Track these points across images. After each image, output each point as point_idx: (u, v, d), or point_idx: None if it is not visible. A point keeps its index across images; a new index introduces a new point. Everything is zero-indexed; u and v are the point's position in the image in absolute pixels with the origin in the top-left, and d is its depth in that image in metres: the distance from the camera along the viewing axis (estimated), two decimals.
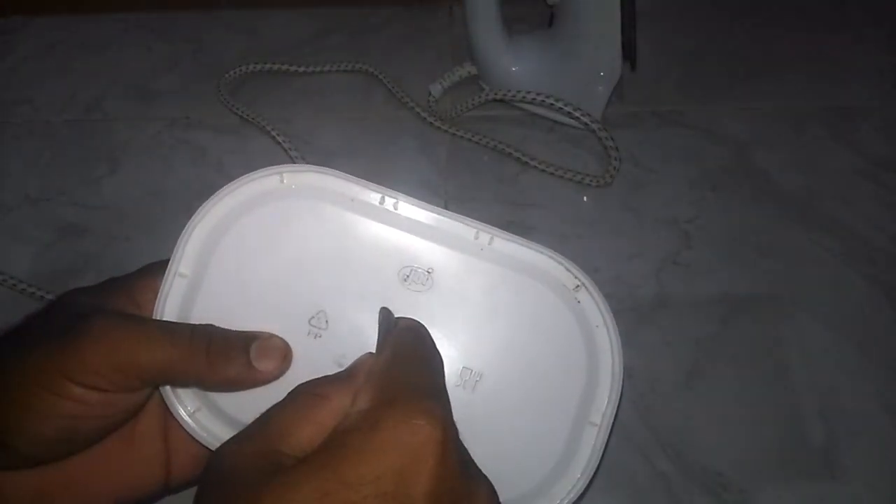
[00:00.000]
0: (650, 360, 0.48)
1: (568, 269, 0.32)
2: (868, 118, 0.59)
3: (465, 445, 0.27)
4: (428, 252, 0.33)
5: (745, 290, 0.50)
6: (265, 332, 0.33)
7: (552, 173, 0.56)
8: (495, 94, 0.57)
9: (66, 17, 0.68)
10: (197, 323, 0.32)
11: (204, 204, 0.33)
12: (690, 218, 0.54)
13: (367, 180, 0.33)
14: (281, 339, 0.33)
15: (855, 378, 0.46)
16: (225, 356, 0.31)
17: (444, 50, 0.65)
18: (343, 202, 0.33)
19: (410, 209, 0.33)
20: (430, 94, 0.60)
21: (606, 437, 0.31)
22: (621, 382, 0.31)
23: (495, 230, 0.33)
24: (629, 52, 0.54)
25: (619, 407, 0.31)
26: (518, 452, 0.32)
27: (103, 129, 0.61)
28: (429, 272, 0.32)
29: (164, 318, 0.33)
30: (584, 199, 0.55)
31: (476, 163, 0.58)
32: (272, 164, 0.57)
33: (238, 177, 0.34)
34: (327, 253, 0.33)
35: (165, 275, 0.33)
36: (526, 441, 0.32)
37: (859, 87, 0.61)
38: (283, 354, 0.32)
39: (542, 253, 0.32)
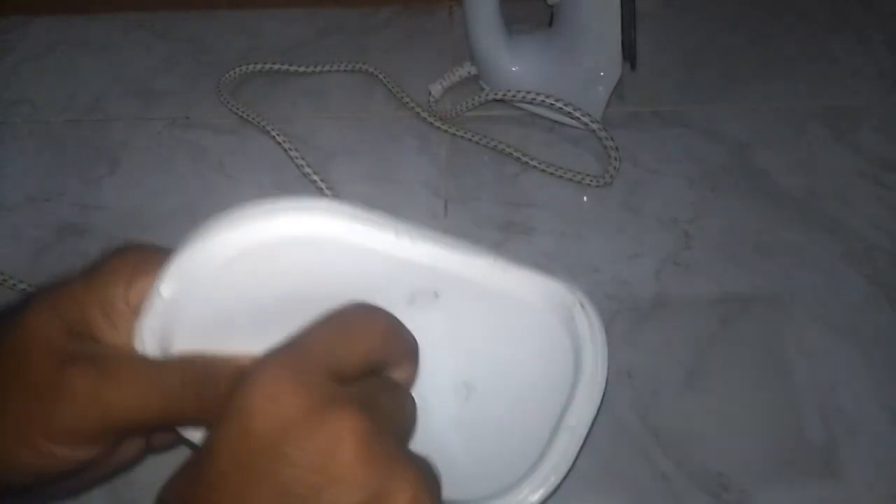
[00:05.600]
0: (650, 360, 0.47)
1: (568, 289, 0.33)
2: (868, 118, 0.59)
3: (457, 447, 0.28)
4: (435, 277, 0.32)
5: (745, 290, 0.50)
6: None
7: (552, 173, 0.56)
8: (495, 94, 0.57)
9: (66, 17, 0.68)
10: (183, 355, 0.30)
11: (202, 225, 0.29)
12: (690, 218, 0.54)
13: (377, 210, 0.31)
14: None
15: (855, 378, 0.46)
16: (215, 399, 0.28)
17: (444, 50, 0.65)
18: (352, 234, 0.31)
19: (420, 241, 0.31)
20: (430, 94, 0.60)
21: (581, 440, 0.32)
22: (602, 392, 0.32)
23: (503, 259, 0.33)
24: (629, 52, 0.54)
25: (597, 414, 0.32)
26: (501, 454, 0.33)
27: (103, 129, 0.61)
28: (435, 294, 0.33)
29: (146, 347, 0.30)
30: (584, 199, 0.55)
31: (476, 163, 0.58)
32: (272, 165, 0.58)
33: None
34: (331, 281, 0.31)
35: (150, 297, 0.29)
36: (509, 444, 0.33)
37: (859, 87, 0.61)
38: None
39: (543, 276, 0.33)
